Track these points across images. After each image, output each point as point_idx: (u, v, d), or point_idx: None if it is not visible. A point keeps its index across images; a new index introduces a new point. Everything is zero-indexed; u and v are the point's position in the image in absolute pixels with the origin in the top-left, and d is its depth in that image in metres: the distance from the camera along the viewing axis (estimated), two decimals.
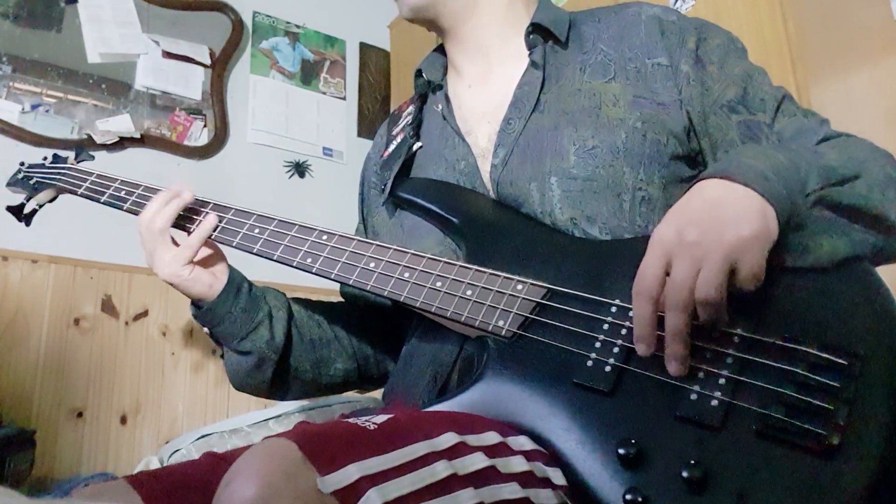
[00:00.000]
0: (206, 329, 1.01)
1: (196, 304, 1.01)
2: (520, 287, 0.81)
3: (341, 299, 1.16)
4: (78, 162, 1.21)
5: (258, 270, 1.09)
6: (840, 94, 1.51)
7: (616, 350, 0.73)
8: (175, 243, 0.99)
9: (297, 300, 1.08)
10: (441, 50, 1.09)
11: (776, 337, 0.68)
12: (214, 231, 1.00)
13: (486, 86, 1.01)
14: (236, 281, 1.00)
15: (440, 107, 1.03)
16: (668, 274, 0.68)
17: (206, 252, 1.01)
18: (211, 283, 0.98)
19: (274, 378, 1.01)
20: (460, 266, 0.84)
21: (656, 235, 0.70)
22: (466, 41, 1.02)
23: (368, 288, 0.88)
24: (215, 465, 0.80)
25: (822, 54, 1.54)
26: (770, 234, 0.68)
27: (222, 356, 1.05)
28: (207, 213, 1.01)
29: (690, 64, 0.91)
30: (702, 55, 0.92)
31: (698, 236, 0.67)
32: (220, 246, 1.03)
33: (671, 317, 0.67)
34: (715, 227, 0.67)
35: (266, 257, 0.96)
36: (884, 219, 0.77)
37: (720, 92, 0.90)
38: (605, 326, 0.75)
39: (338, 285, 1.03)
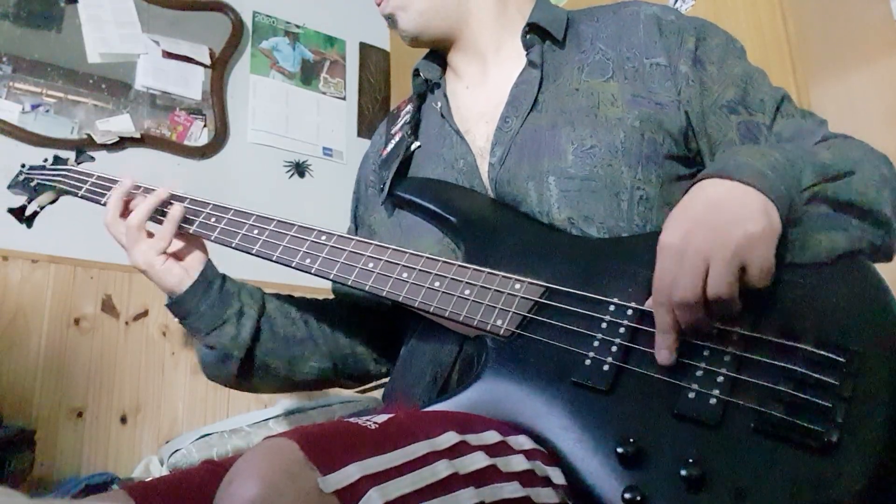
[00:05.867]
0: (177, 319, 1.03)
1: (169, 296, 1.03)
2: (518, 286, 0.81)
3: (329, 296, 1.15)
4: (78, 164, 1.21)
5: (258, 271, 1.09)
6: (840, 94, 1.51)
7: (614, 349, 0.73)
8: (150, 235, 1.01)
9: (276, 297, 1.08)
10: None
11: (774, 334, 0.68)
12: (192, 226, 1.01)
13: (483, 86, 1.01)
14: (208, 277, 1.01)
15: (439, 105, 1.03)
16: None
17: (179, 245, 1.02)
18: (181, 277, 0.99)
19: (240, 372, 1.02)
20: (458, 265, 0.84)
21: (663, 243, 0.70)
22: (463, 46, 1.03)
23: (367, 288, 0.88)
24: (214, 474, 0.79)
25: (822, 54, 1.54)
26: (775, 230, 0.69)
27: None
28: (177, 204, 1.02)
29: (689, 64, 0.91)
30: (701, 55, 0.92)
31: (704, 239, 0.67)
32: (205, 243, 1.04)
33: (680, 314, 0.68)
34: (721, 227, 0.67)
35: (265, 258, 0.96)
36: (880, 215, 0.78)
37: (720, 92, 0.90)
38: (604, 325, 0.75)
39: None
